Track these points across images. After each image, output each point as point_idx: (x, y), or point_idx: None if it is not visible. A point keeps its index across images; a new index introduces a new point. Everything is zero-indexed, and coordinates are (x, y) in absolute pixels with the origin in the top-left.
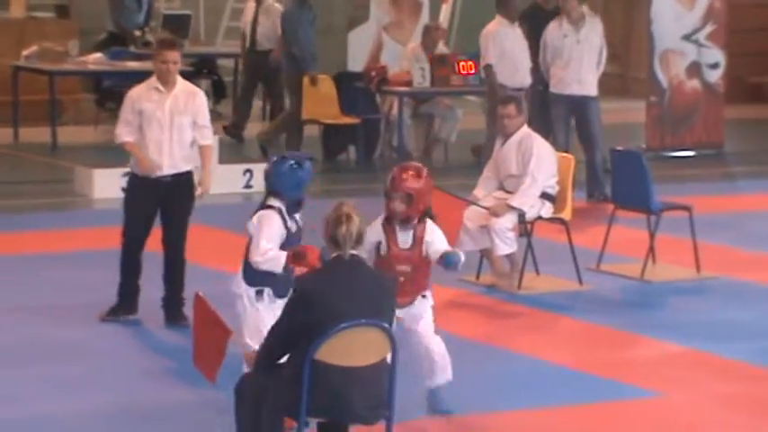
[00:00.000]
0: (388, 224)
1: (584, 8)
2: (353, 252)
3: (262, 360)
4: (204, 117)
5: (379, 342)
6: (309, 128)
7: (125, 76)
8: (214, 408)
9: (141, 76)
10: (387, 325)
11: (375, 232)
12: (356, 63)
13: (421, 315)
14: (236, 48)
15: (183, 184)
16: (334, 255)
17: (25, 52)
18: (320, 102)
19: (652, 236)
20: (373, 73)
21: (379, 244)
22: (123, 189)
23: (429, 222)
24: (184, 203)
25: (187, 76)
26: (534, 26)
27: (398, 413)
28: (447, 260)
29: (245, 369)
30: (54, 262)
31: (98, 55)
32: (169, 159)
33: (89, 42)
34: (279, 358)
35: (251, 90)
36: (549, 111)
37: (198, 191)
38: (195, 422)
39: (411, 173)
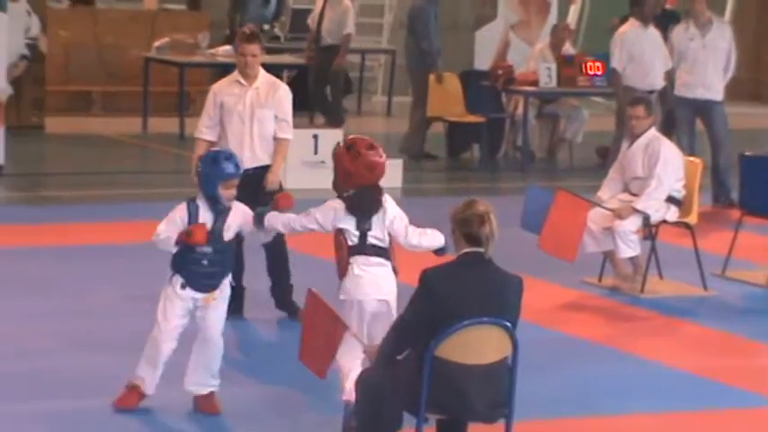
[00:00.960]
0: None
1: (710, 13)
2: (480, 250)
3: (383, 354)
4: (284, 110)
5: (501, 340)
6: (435, 125)
7: None
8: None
9: (268, 70)
10: (510, 324)
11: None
12: (483, 61)
13: None
14: (363, 43)
15: (264, 178)
16: (468, 251)
17: (156, 44)
18: (446, 99)
19: None
20: (500, 72)
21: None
22: None
23: None
24: (269, 197)
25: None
26: (661, 28)
27: (518, 412)
28: None
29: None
30: None
31: (227, 47)
32: (250, 152)
33: (219, 35)
34: (400, 353)
35: (321, 84)
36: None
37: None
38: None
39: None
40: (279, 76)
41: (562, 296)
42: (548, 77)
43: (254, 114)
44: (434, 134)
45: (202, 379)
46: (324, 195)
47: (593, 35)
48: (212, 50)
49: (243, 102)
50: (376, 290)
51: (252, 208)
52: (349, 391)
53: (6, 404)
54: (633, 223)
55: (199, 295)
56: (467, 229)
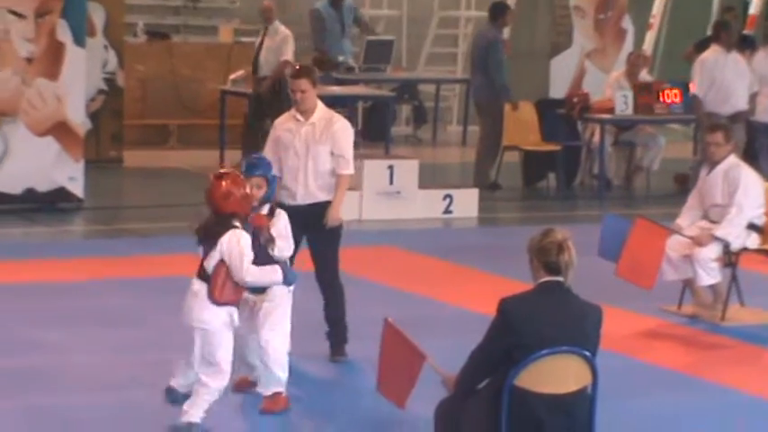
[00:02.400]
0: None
1: None
2: (560, 279)
3: (461, 384)
4: (340, 146)
5: (580, 370)
6: (510, 154)
7: (327, 100)
8: None
9: (342, 101)
10: (589, 353)
11: None
12: (558, 90)
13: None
14: (438, 73)
15: (320, 215)
16: (547, 280)
17: (232, 76)
18: (521, 128)
19: None
20: (575, 100)
21: None
22: None
23: None
24: (323, 234)
25: (388, 101)
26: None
27: None
28: None
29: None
30: None
31: None
32: (303, 189)
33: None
34: (479, 382)
35: (258, 118)
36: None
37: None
38: None
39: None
40: (354, 108)
41: (641, 324)
42: (624, 105)
43: (308, 150)
44: (510, 163)
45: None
46: (400, 225)
47: (670, 62)
48: None
49: (299, 137)
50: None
51: (318, 247)
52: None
53: None
54: (713, 251)
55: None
56: (545, 257)
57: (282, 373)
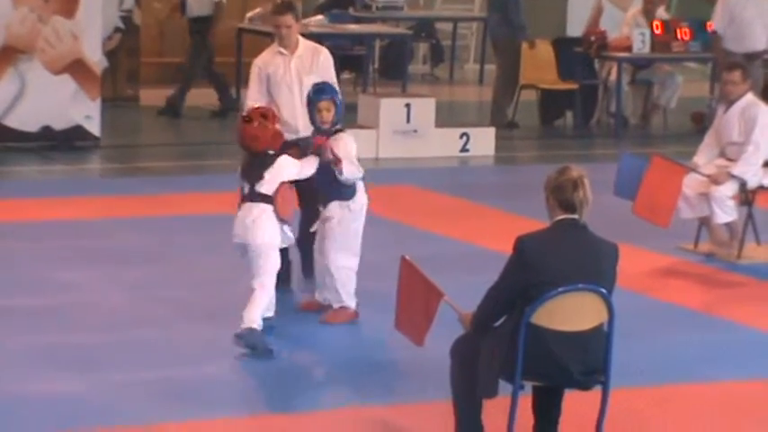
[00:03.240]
0: None
1: None
2: (575, 216)
3: (478, 321)
4: (330, 75)
5: (596, 307)
6: (527, 92)
7: (345, 38)
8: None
9: (360, 39)
10: (605, 291)
11: None
12: (575, 28)
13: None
14: (455, 11)
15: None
16: (563, 218)
17: (249, 14)
18: (539, 67)
19: None
20: (592, 38)
21: None
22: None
23: None
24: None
25: (406, 39)
26: None
27: (614, 379)
28: None
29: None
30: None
31: (319, 17)
32: (304, 120)
33: (312, 4)
34: (496, 320)
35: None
36: None
37: None
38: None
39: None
40: (371, 46)
41: (657, 262)
42: (641, 43)
43: (302, 83)
44: (527, 102)
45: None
46: (416, 164)
47: (687, 0)
48: (305, 21)
49: (289, 72)
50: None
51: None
52: None
53: (121, 373)
54: (729, 189)
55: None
56: (561, 195)
57: (346, 294)
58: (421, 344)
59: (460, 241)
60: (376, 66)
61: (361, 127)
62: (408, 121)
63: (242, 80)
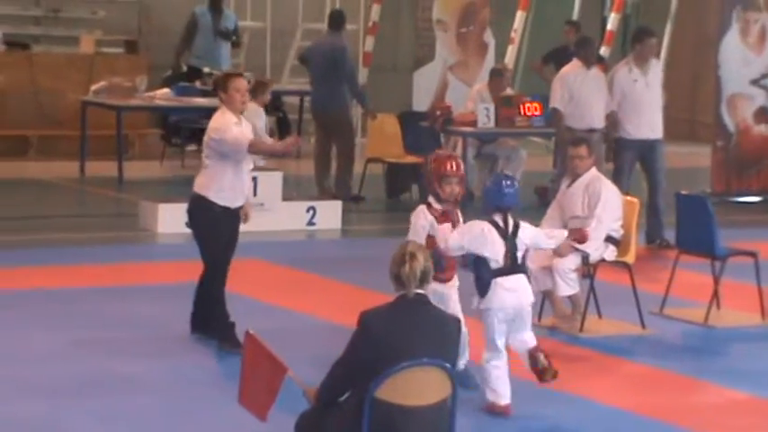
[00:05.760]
0: (435, 207)
1: None
2: (418, 291)
3: (323, 396)
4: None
5: (440, 382)
6: (373, 166)
7: (192, 111)
8: None
9: (208, 112)
10: (448, 365)
11: (424, 216)
12: (421, 102)
13: (451, 296)
14: (302, 85)
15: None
16: (403, 292)
17: (94, 87)
18: (384, 140)
19: (716, 281)
20: (438, 112)
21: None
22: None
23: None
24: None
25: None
26: (559, 66)
27: None
28: None
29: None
30: (117, 296)
31: (165, 90)
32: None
33: (157, 78)
34: (340, 395)
35: None
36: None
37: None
38: None
39: (459, 160)
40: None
41: None
42: (486, 118)
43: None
44: (373, 175)
45: None
46: (263, 237)
47: (530, 76)
48: (150, 93)
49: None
50: None
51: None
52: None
53: None
54: (572, 261)
55: None
56: (393, 269)
57: None
58: (264, 419)
59: (307, 315)
60: None
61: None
62: (255, 194)
63: (86, 153)
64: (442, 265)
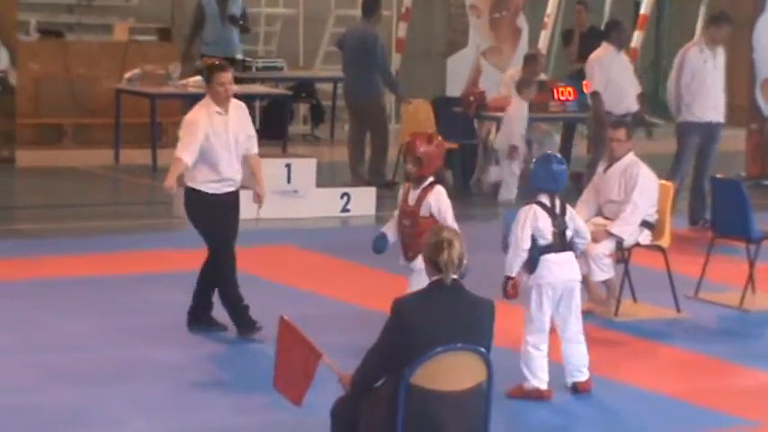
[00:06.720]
0: (408, 184)
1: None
2: (454, 277)
3: (357, 383)
4: (251, 127)
5: (475, 367)
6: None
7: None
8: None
9: (240, 100)
10: (483, 350)
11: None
12: (455, 88)
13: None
14: (335, 72)
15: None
16: (435, 279)
17: (127, 75)
18: (418, 126)
19: (752, 264)
20: (472, 98)
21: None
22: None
23: (438, 187)
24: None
25: (286, 99)
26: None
27: None
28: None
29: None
30: (152, 283)
31: (197, 78)
32: (241, 173)
33: (190, 65)
34: (375, 381)
35: None
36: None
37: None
38: None
39: (422, 138)
40: (251, 106)
41: None
42: None
43: (237, 141)
44: None
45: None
46: (297, 224)
47: (565, 60)
48: (183, 81)
49: (226, 131)
50: None
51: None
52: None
53: None
54: (606, 247)
55: None
56: (429, 255)
57: None
58: (299, 404)
59: (341, 301)
60: (256, 126)
61: (242, 187)
62: (289, 181)
63: (120, 141)
64: None
